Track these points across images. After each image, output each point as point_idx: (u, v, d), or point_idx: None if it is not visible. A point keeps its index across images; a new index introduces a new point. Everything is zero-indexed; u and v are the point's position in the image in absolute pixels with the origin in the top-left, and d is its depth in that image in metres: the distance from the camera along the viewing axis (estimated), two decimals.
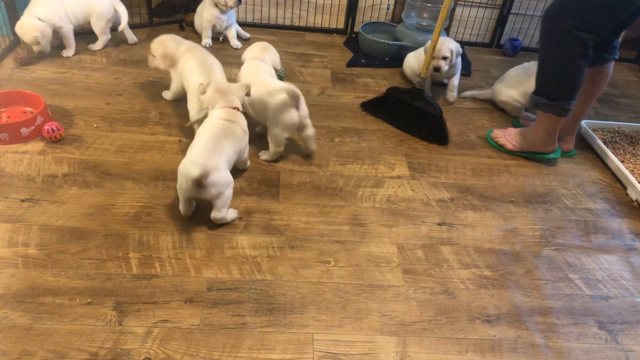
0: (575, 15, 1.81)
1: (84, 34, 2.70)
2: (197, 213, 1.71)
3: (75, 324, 1.34)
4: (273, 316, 1.42)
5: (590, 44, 1.84)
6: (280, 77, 2.56)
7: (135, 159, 1.92)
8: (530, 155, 2.20)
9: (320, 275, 1.56)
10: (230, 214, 1.68)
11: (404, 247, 1.70)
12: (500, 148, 2.24)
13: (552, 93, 1.98)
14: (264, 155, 1.99)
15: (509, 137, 2.23)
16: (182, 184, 1.58)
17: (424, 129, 2.25)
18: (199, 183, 1.52)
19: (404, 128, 2.30)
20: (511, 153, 2.23)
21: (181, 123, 2.15)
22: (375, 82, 2.69)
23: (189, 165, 1.55)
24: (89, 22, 2.56)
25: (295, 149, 2.09)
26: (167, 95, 2.28)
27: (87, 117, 2.12)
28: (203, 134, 1.65)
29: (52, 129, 1.92)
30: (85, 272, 1.48)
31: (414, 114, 2.25)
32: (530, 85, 2.11)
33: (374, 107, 2.39)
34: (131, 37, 2.72)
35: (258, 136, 2.08)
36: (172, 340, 1.33)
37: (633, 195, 2.05)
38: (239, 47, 2.84)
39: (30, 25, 2.33)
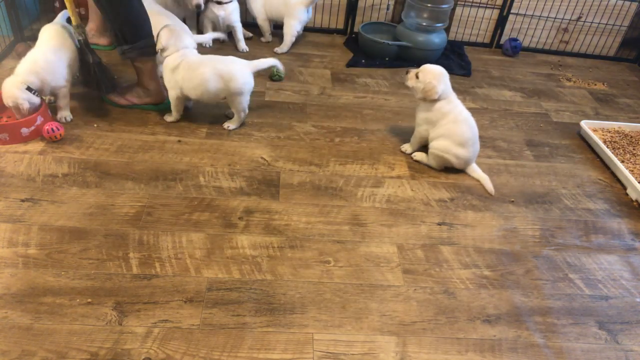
0: None
1: None
2: (196, 213, 1.72)
3: (75, 324, 1.34)
4: (273, 316, 1.42)
5: None
6: (280, 77, 2.57)
7: (135, 159, 1.93)
8: (146, 107, 2.20)
9: (320, 275, 1.56)
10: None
11: (404, 247, 1.70)
12: (114, 104, 2.20)
13: (129, 36, 2.00)
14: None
15: (121, 93, 2.20)
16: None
17: (92, 79, 2.15)
18: None
19: (92, 86, 2.18)
20: (126, 107, 2.20)
21: (182, 123, 2.15)
22: (375, 82, 2.69)
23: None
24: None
25: (295, 148, 2.09)
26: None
27: (87, 117, 2.12)
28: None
29: (52, 129, 1.93)
30: (85, 272, 1.48)
31: (86, 66, 2.13)
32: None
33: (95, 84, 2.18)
34: None
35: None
36: (172, 340, 1.33)
37: (633, 195, 2.05)
38: (245, 51, 2.81)
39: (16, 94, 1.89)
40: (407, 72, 2.06)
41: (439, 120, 2.01)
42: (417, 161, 2.10)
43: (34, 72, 1.92)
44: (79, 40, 2.09)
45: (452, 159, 2.01)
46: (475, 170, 2.06)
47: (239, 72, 2.03)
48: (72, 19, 2.05)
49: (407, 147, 2.15)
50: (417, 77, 2.01)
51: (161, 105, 2.21)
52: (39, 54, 1.97)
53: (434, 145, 2.03)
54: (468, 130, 2.00)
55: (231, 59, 2.07)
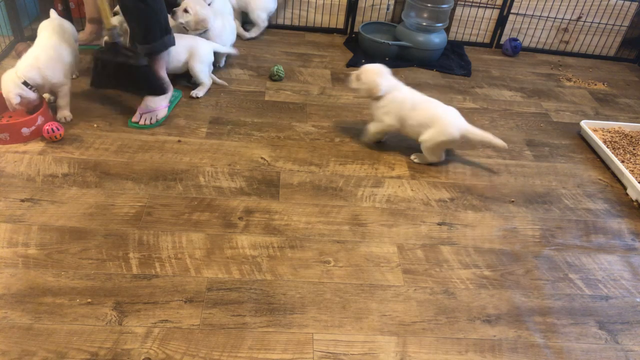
0: None
1: None
2: (196, 213, 1.71)
3: (75, 324, 1.34)
4: (273, 316, 1.42)
5: None
6: (280, 77, 2.57)
7: (135, 159, 1.93)
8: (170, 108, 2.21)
9: (320, 275, 1.56)
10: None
11: (404, 247, 1.70)
12: (145, 126, 2.12)
13: (157, 33, 2.06)
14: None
15: (141, 112, 2.14)
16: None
17: (137, 84, 2.12)
18: None
19: (127, 89, 2.17)
20: (158, 122, 2.15)
21: (181, 123, 2.15)
22: None
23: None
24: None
25: (295, 148, 2.09)
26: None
27: (87, 117, 2.12)
28: None
29: (52, 129, 1.93)
30: (85, 272, 1.48)
31: (123, 71, 2.07)
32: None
33: (100, 81, 2.12)
34: None
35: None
36: (172, 340, 1.33)
37: (633, 195, 2.05)
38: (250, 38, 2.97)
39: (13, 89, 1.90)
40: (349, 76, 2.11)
41: (400, 109, 2.05)
42: (418, 163, 2.10)
43: (36, 67, 1.93)
44: (115, 43, 2.02)
45: (444, 138, 2.02)
46: (475, 133, 2.05)
47: (201, 44, 2.34)
48: (105, 22, 1.99)
49: (414, 157, 2.14)
50: (359, 78, 2.06)
51: (175, 96, 2.28)
52: (41, 50, 1.98)
53: (424, 139, 2.04)
54: (433, 108, 2.04)
55: (194, 37, 2.38)
